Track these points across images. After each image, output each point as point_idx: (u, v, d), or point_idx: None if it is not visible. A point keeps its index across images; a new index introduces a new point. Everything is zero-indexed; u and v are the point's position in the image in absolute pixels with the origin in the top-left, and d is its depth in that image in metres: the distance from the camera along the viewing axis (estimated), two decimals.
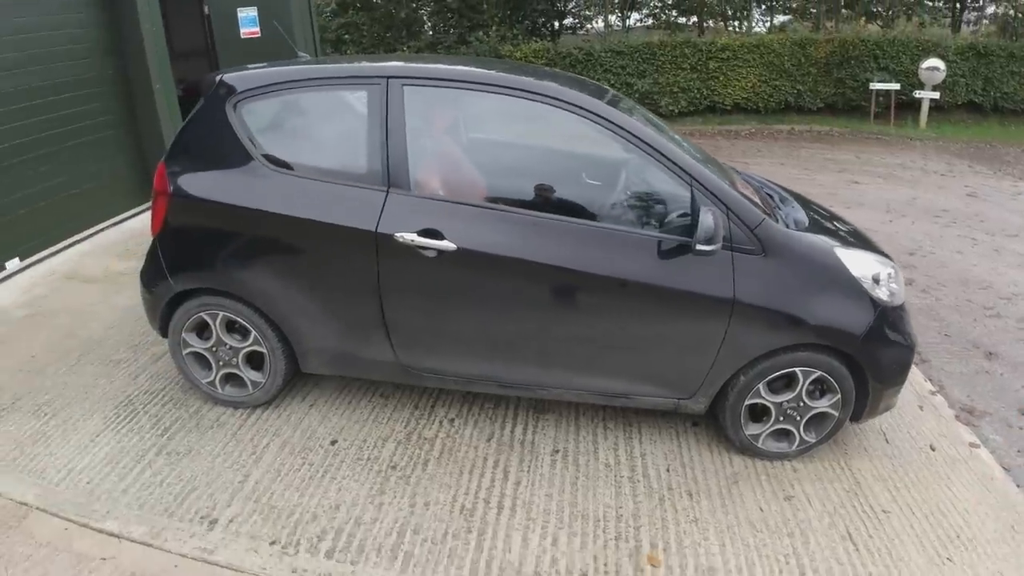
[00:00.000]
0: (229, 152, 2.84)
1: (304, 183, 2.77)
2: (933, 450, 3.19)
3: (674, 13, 15.58)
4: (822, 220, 3.24)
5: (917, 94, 12.44)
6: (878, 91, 12.52)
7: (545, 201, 2.82)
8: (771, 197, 3.26)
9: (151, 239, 3.06)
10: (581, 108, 2.69)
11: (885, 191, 8.33)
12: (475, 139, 3.22)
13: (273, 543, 2.40)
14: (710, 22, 15.56)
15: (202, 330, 3.08)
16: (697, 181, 2.61)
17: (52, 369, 3.50)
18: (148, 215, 5.95)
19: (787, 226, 2.84)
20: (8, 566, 2.31)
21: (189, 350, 3.09)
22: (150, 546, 2.42)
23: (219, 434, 2.99)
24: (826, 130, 12.81)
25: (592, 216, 2.79)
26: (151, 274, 3.05)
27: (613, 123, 2.68)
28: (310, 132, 2.99)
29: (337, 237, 2.72)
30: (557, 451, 2.93)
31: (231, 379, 3.12)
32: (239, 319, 2.96)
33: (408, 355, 2.87)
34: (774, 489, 2.81)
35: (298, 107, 2.95)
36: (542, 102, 2.71)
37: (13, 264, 4.64)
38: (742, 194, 2.74)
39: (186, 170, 2.90)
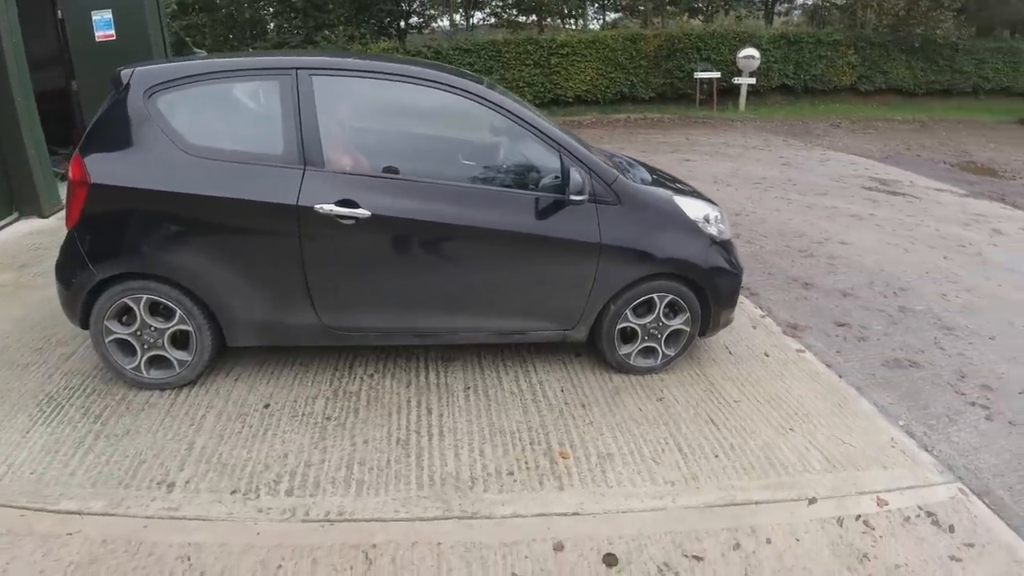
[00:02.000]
0: (147, 141, 3.01)
1: (224, 166, 3.02)
2: (767, 356, 3.99)
3: (514, 11, 16.41)
4: (662, 179, 3.93)
5: (736, 80, 14.08)
6: (702, 79, 14.02)
7: (444, 170, 3.28)
8: (622, 162, 3.90)
9: (63, 234, 3.17)
10: (471, 93, 3.19)
11: (712, 166, 9.48)
12: (379, 121, 3.58)
13: (234, 492, 2.64)
14: (548, 20, 16.53)
15: (124, 316, 3.20)
16: (565, 149, 3.18)
17: None
18: (14, 228, 5.72)
19: (636, 182, 3.49)
20: None
21: (112, 337, 3.19)
22: (113, 515, 2.53)
23: (153, 413, 3.13)
24: (658, 117, 14.12)
25: (484, 181, 3.28)
26: (69, 266, 3.13)
27: (498, 105, 3.20)
28: (226, 120, 3.24)
29: (260, 213, 3.01)
30: (468, 387, 3.40)
31: (156, 361, 3.26)
32: (164, 300, 3.12)
33: (331, 317, 3.20)
34: (648, 394, 3.45)
35: (213, 97, 3.16)
36: (437, 88, 3.17)
37: None
38: (600, 159, 3.35)
39: (104, 160, 3.02)
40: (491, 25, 16.71)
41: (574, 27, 16.76)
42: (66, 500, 2.60)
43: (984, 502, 2.88)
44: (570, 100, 14.13)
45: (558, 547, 2.44)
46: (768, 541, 2.54)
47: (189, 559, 2.31)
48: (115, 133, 3.07)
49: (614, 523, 2.58)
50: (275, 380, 3.42)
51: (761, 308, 4.78)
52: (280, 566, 2.29)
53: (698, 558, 2.44)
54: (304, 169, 3.01)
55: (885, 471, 3.00)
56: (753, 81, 14.11)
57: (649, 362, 3.60)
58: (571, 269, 3.27)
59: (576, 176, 3.04)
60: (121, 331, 3.20)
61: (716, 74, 13.92)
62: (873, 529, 2.65)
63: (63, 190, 6.57)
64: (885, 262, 6.00)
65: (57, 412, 3.16)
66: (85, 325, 3.23)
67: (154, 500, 2.60)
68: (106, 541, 2.40)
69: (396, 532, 2.46)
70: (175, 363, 3.25)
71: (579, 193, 3.06)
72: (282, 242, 3.05)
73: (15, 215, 6.07)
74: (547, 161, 3.22)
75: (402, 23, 15.57)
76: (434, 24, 16.33)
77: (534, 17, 16.50)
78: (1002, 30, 19.44)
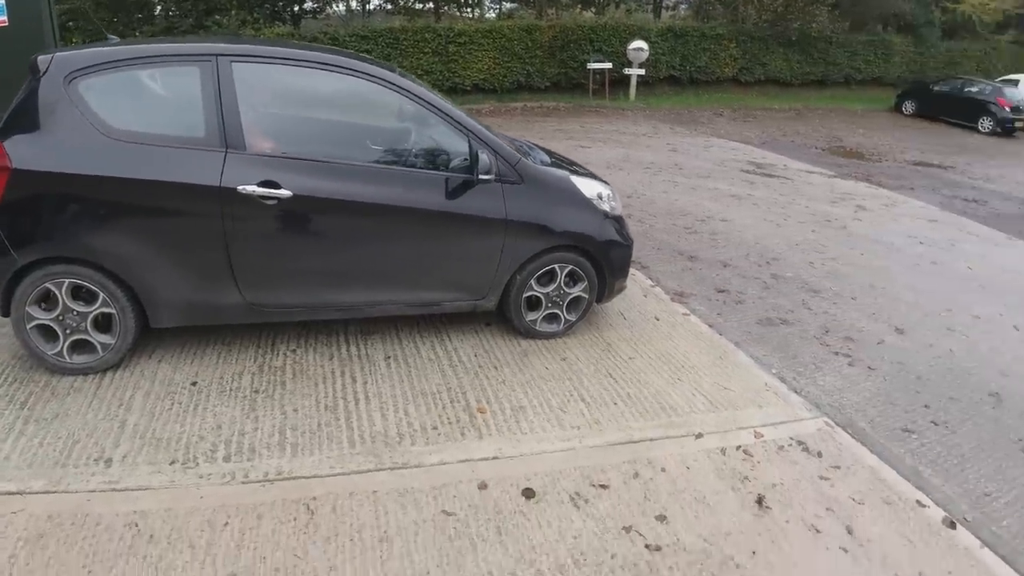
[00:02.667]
0: (68, 125, 3.04)
1: (146, 149, 3.09)
2: (657, 320, 4.45)
3: None
4: (559, 161, 4.29)
5: (627, 71, 14.80)
6: (594, 70, 14.65)
7: (360, 153, 3.49)
8: (523, 146, 4.24)
9: None
10: (385, 80, 3.41)
11: (605, 152, 10.02)
12: (298, 106, 3.71)
13: (173, 463, 2.77)
14: (445, 8, 16.68)
15: (44, 302, 3.20)
16: (472, 133, 3.47)
17: None
18: None
19: (536, 164, 3.82)
20: None
21: (33, 323, 3.18)
22: (55, 492, 2.58)
23: (79, 397, 3.16)
24: (554, 105, 14.63)
25: (398, 162, 3.51)
26: None
27: (410, 92, 3.45)
28: (147, 104, 3.29)
29: (182, 194, 3.11)
30: (389, 356, 3.65)
31: (79, 346, 3.28)
32: (86, 283, 3.16)
33: (255, 295, 3.35)
34: (553, 355, 3.82)
35: (134, 82, 3.21)
36: (353, 76, 3.38)
37: None
38: (503, 142, 3.66)
39: (25, 145, 3.03)
40: (388, 12, 16.68)
41: (471, 16, 17.00)
42: (3, 482, 2.63)
43: (848, 432, 3.44)
44: (468, 88, 14.39)
45: (482, 486, 2.75)
46: (663, 470, 2.96)
47: (137, 525, 2.44)
48: (35, 118, 3.06)
49: (529, 463, 2.92)
50: (199, 359, 3.52)
51: (651, 279, 5.26)
52: (227, 523, 2.47)
53: (604, 486, 2.82)
54: (226, 152, 3.14)
55: (760, 410, 3.51)
56: (642, 72, 14.88)
57: (553, 327, 3.97)
58: (481, 243, 3.57)
59: (484, 157, 3.34)
60: (43, 316, 3.20)
61: (608, 65, 14.58)
62: (752, 456, 3.12)
63: None
64: (760, 236, 6.68)
65: None
66: (6, 313, 3.21)
67: (94, 476, 2.68)
68: (51, 516, 2.47)
69: (334, 485, 2.69)
70: (98, 347, 3.29)
71: (487, 173, 3.36)
72: (205, 223, 3.16)
73: None
74: (456, 144, 3.50)
75: (296, 8, 15.29)
76: (329, 9, 16.13)
77: (431, 5, 16.62)
78: (875, 24, 21.35)
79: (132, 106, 3.26)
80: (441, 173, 3.48)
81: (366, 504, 2.60)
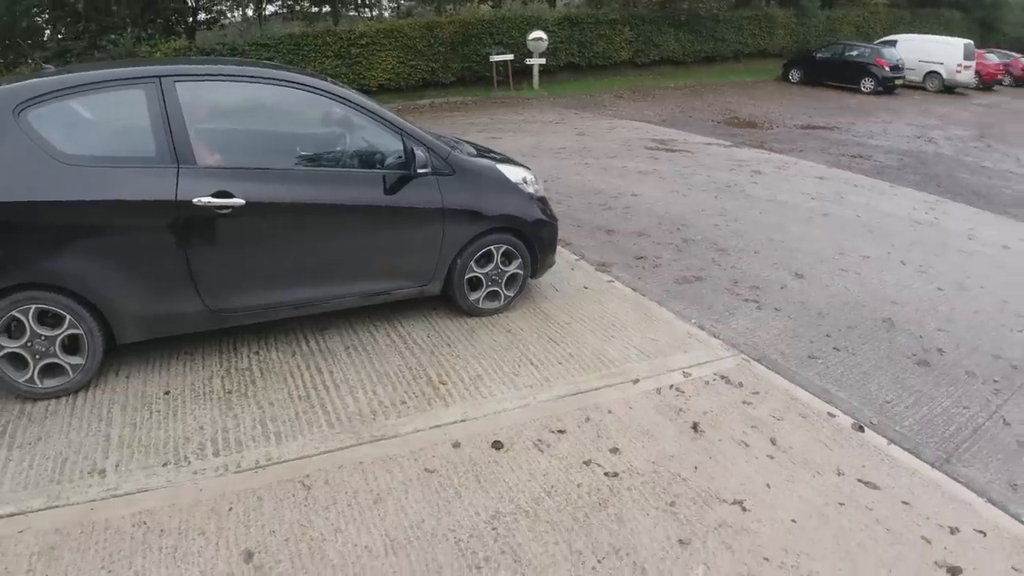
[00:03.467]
0: (20, 154, 3.11)
1: (100, 171, 3.22)
2: (586, 288, 4.89)
3: (307, 3, 16.35)
4: (483, 151, 4.64)
5: (528, 61, 15.25)
6: (497, 62, 15.02)
7: (303, 159, 3.73)
8: (450, 141, 4.56)
9: None
10: (320, 89, 3.66)
11: (517, 141, 10.43)
12: (241, 118, 3.91)
13: (165, 464, 2.94)
14: (343, 10, 16.64)
15: (11, 330, 3.25)
16: (405, 132, 3.78)
17: None
18: None
19: (465, 155, 4.16)
20: None
21: (2, 352, 3.23)
22: (56, 507, 2.68)
23: (57, 420, 3.25)
24: (460, 100, 14.92)
25: (341, 164, 3.78)
26: None
27: (345, 98, 3.72)
28: (97, 128, 3.42)
29: (140, 211, 3.27)
30: (348, 347, 3.92)
31: (49, 370, 3.35)
32: (53, 307, 3.24)
33: (215, 301, 3.53)
34: (498, 329, 4.19)
35: (82, 108, 3.33)
36: (290, 87, 3.63)
37: None
38: (434, 138, 3.98)
39: None
40: (285, 18, 16.50)
41: (370, 17, 17.03)
42: (3, 506, 2.71)
43: (763, 364, 3.98)
44: (374, 89, 14.49)
45: (456, 444, 3.10)
46: (609, 411, 3.40)
47: (145, 523, 2.62)
48: None
49: (493, 421, 3.29)
50: (166, 370, 3.68)
51: (576, 253, 5.71)
52: (231, 509, 2.70)
53: (562, 431, 3.23)
54: (178, 167, 3.31)
55: (686, 354, 4.01)
56: (543, 61, 15.38)
57: (495, 304, 4.34)
58: (422, 232, 3.88)
59: (420, 153, 3.66)
60: (11, 345, 3.25)
61: (509, 56, 14.99)
62: (683, 392, 3.60)
63: None
64: (669, 206, 7.25)
65: None
66: None
67: (91, 487, 2.81)
68: (59, 529, 2.58)
69: (322, 463, 2.96)
70: (69, 368, 3.37)
71: (424, 167, 3.68)
72: (164, 236, 3.33)
73: None
74: (391, 143, 3.79)
75: (190, 20, 14.93)
76: (224, 20, 15.80)
77: (327, 8, 16.55)
78: (759, 0, 22.62)
79: (82, 131, 3.38)
80: (381, 171, 3.77)
81: (355, 474, 2.90)
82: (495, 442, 3.13)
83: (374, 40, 14.10)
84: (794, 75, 20.09)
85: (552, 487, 2.87)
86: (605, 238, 6.18)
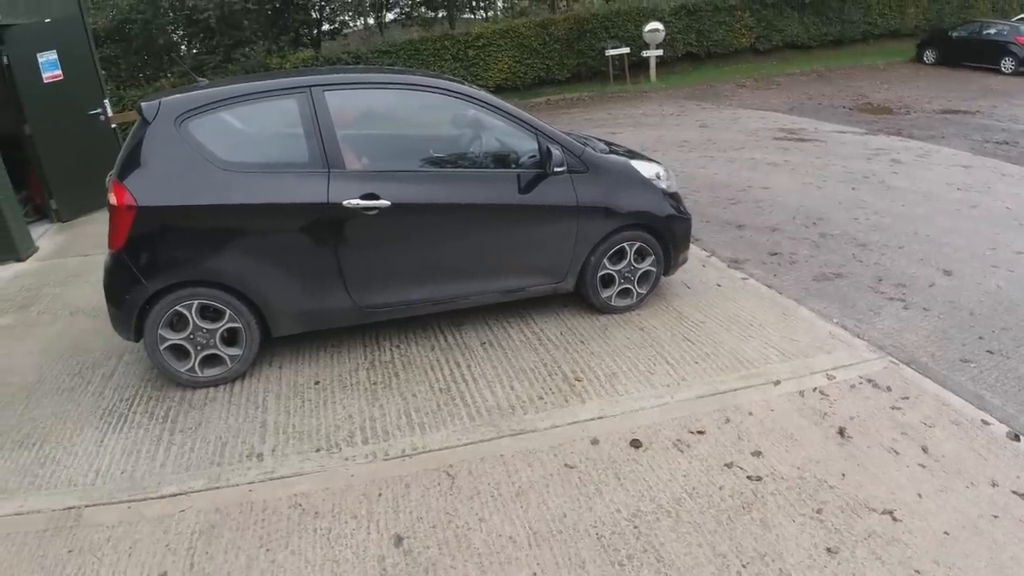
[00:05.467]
0: (184, 162, 3.37)
1: (257, 176, 3.45)
2: (719, 286, 4.72)
3: (423, 8, 16.81)
4: (614, 147, 4.58)
5: (644, 54, 14.96)
6: (613, 56, 14.83)
7: (442, 161, 3.83)
8: (580, 138, 4.54)
9: (107, 255, 3.50)
10: (458, 92, 3.75)
11: (638, 135, 10.24)
12: (386, 123, 4.07)
13: (318, 450, 3.11)
14: (457, 13, 16.99)
15: (175, 324, 3.55)
16: (540, 131, 3.80)
17: (7, 413, 3.62)
18: None
19: (597, 152, 4.12)
20: (94, 550, 2.59)
21: (167, 344, 3.54)
22: (217, 488, 2.88)
23: (216, 407, 3.52)
24: (577, 96, 14.85)
25: (480, 165, 3.85)
26: (120, 285, 3.45)
27: (482, 101, 3.80)
28: (253, 136, 3.66)
29: (295, 213, 3.47)
30: (484, 342, 3.98)
31: (208, 361, 3.63)
32: (214, 303, 3.51)
33: (362, 297, 3.70)
34: (631, 327, 4.12)
35: (239, 117, 3.57)
36: (430, 91, 3.74)
37: None
38: (566, 136, 3.97)
39: (146, 184, 3.34)
40: (403, 24, 17.05)
41: (485, 18, 17.30)
42: (166, 486, 2.93)
43: (911, 368, 3.69)
44: (491, 89, 14.69)
45: (594, 441, 3.07)
46: (750, 413, 3.26)
47: (301, 505, 2.78)
48: (152, 159, 3.38)
49: (631, 419, 3.23)
50: (315, 362, 3.89)
51: (705, 249, 5.52)
52: (380, 494, 2.82)
53: (701, 432, 3.13)
54: (328, 171, 3.49)
55: (829, 356, 3.77)
56: (660, 53, 15.03)
57: (627, 301, 4.27)
58: (557, 230, 3.88)
59: (556, 152, 3.67)
60: (174, 337, 3.55)
61: (625, 50, 14.75)
62: (827, 396, 3.40)
63: (35, 232, 6.71)
64: (803, 199, 6.87)
65: (123, 421, 3.45)
66: (138, 338, 3.58)
67: (249, 469, 3.01)
68: (219, 509, 2.77)
69: (465, 454, 3.03)
70: (227, 359, 3.65)
71: (560, 166, 3.68)
72: (317, 236, 3.52)
73: None
74: (526, 143, 3.83)
75: (316, 31, 15.74)
76: (347, 29, 16.55)
77: (443, 12, 16.95)
78: None
79: (239, 139, 3.62)
80: (516, 170, 3.82)
81: (497, 466, 2.94)
82: (633, 440, 3.08)
83: (490, 41, 14.31)
84: (928, 56, 18.56)
85: (694, 488, 2.79)
86: (736, 233, 5.95)
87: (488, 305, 4.13)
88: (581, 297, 4.27)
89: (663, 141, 9.78)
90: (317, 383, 3.68)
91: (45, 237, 6.95)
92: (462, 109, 3.85)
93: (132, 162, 3.41)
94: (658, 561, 2.44)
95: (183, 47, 14.59)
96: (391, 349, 3.97)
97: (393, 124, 4.08)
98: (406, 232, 3.65)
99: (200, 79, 4.13)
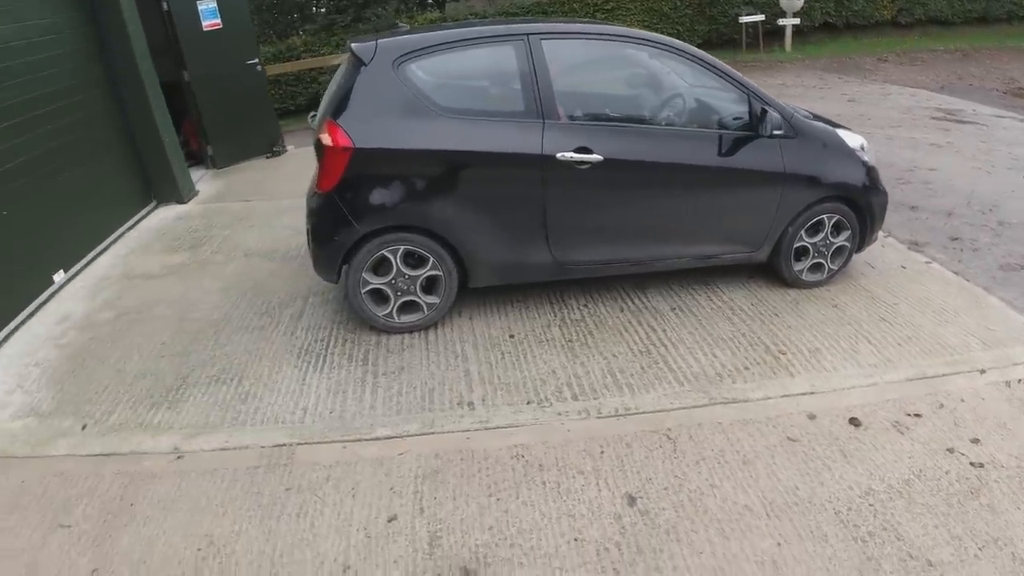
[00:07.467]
0: (401, 105, 3.38)
1: (472, 122, 3.44)
2: (904, 268, 4.48)
3: None
4: (816, 116, 4.36)
5: (780, 22, 14.19)
6: (746, 23, 14.14)
7: (653, 117, 3.77)
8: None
9: (314, 196, 3.57)
10: (674, 48, 3.65)
11: None
12: (599, 75, 4.00)
13: (528, 403, 3.13)
14: None
15: (377, 268, 3.61)
16: (753, 92, 3.66)
17: (197, 348, 3.74)
18: (159, 215, 6.08)
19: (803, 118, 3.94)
20: (313, 489, 2.65)
21: (368, 288, 3.61)
22: (432, 433, 2.93)
23: (415, 353, 3.58)
24: None
25: (690, 124, 3.73)
26: (328, 226, 3.50)
27: (698, 58, 3.67)
28: (470, 82, 3.65)
29: (508, 163, 3.46)
30: (674, 308, 3.93)
31: (406, 307, 3.70)
32: (420, 249, 3.55)
33: (562, 253, 3.68)
34: (823, 303, 3.98)
35: (455, 63, 3.55)
36: (644, 45, 3.65)
37: (59, 277, 4.70)
38: (776, 100, 3.81)
39: (362, 125, 3.34)
40: None
41: None
42: (380, 428, 2.99)
43: None
44: None
45: (811, 416, 2.99)
46: (962, 400, 3.11)
47: (522, 456, 2.81)
48: (367, 100, 3.37)
49: (843, 397, 3.13)
50: (504, 316, 3.92)
51: (883, 230, 5.24)
52: (602, 452, 2.81)
53: (917, 415, 3.01)
54: (543, 122, 3.46)
55: None
56: (797, 21, 14.22)
57: (817, 276, 4.11)
58: (760, 196, 3.76)
59: (775, 115, 3.53)
60: (376, 281, 3.62)
61: (760, 17, 14.03)
62: None
63: (193, 176, 7.02)
64: (974, 184, 6.43)
65: (320, 362, 3.53)
66: (337, 280, 3.66)
67: (462, 417, 3.05)
68: (438, 455, 2.81)
69: (679, 418, 3.00)
70: (424, 306, 3.71)
71: (778, 129, 3.55)
72: (527, 188, 3.49)
73: (153, 203, 6.43)
74: (737, 104, 3.70)
75: None
76: None
77: None
78: None
79: (455, 85, 3.60)
80: (727, 131, 3.69)
81: (716, 433, 2.90)
82: (852, 419, 2.98)
83: (620, 4, 13.86)
84: None
85: (920, 471, 2.69)
86: (910, 215, 5.63)
87: (671, 271, 4.05)
88: (771, 268, 4.13)
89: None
90: (512, 336, 3.71)
91: (203, 182, 7.26)
92: (675, 65, 3.74)
93: (346, 103, 3.39)
94: (898, 539, 2.37)
95: (314, 7, 14.85)
96: (579, 308, 3.96)
97: (605, 76, 3.98)
98: (613, 189, 3.60)
99: (400, 24, 4.16)
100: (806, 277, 4.08)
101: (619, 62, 3.90)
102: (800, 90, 11.26)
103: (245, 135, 7.89)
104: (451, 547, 2.39)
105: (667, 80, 3.91)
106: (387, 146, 3.40)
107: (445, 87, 3.54)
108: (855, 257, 4.51)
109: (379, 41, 3.46)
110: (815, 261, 4.05)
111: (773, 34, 14.51)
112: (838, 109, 9.55)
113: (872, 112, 9.24)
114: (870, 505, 2.52)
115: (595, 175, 3.50)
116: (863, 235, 4.07)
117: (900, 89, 10.81)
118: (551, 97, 3.46)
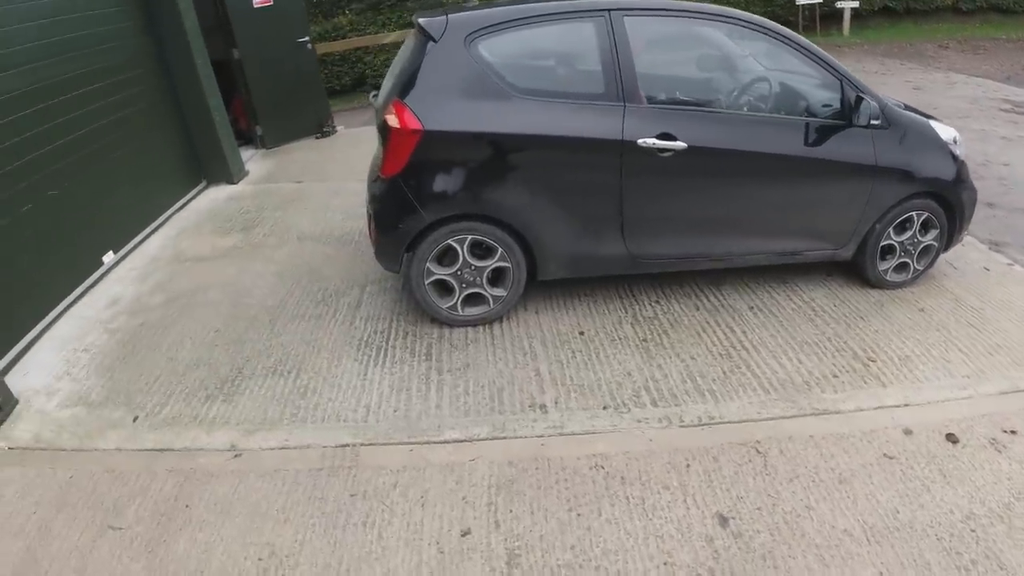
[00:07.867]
0: (473, 85, 3.15)
1: (550, 105, 3.21)
2: (987, 270, 4.24)
3: None
4: (908, 106, 4.09)
5: (839, 4, 13.68)
6: (804, 5, 13.63)
7: (740, 102, 3.54)
8: None
9: (378, 181, 3.37)
10: (766, 28, 3.39)
11: None
12: (684, 56, 3.76)
13: (605, 408, 2.97)
14: None
15: (442, 258, 3.44)
16: (847, 79, 3.43)
17: (252, 336, 3.62)
18: (209, 195, 5.99)
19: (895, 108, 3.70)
20: (380, 496, 2.52)
21: (432, 278, 3.44)
22: (503, 438, 2.76)
23: (480, 348, 3.42)
24: None
25: (780, 111, 3.51)
26: (393, 213, 3.30)
27: (788, 39, 3.41)
28: (546, 61, 3.43)
29: (586, 149, 3.23)
30: (752, 307, 3.74)
31: (470, 299, 3.53)
32: (488, 239, 3.36)
33: (638, 245, 3.49)
34: (908, 305, 3.76)
35: (531, 40, 3.32)
36: (734, 24, 3.42)
37: (108, 258, 4.60)
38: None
39: (431, 106, 3.13)
40: None
41: None
42: (449, 431, 2.83)
43: None
44: None
45: (907, 431, 2.82)
46: None
47: (602, 467, 2.64)
48: (438, 80, 3.16)
49: (939, 410, 2.95)
50: (572, 311, 3.75)
51: None
52: (688, 465, 2.66)
53: (1013, 432, 2.81)
54: (624, 105, 3.24)
55: None
56: (856, 4, 13.70)
57: (901, 276, 3.90)
58: (849, 190, 3.53)
59: (872, 104, 3.31)
60: (441, 272, 3.44)
61: None
62: None
63: (243, 156, 6.93)
64: None
65: (381, 355, 3.39)
66: (398, 269, 3.48)
67: (535, 422, 2.89)
68: (512, 462, 2.65)
69: (768, 429, 2.84)
70: (490, 299, 3.54)
71: (876, 119, 3.33)
72: (604, 176, 3.28)
73: (203, 183, 6.33)
74: (829, 91, 3.47)
75: None
76: None
77: None
78: None
79: (531, 63, 3.39)
80: (816, 120, 3.46)
81: (809, 447, 2.74)
82: (949, 434, 2.79)
83: None
84: None
85: (1020, 493, 2.50)
86: (988, 212, 5.34)
87: (748, 267, 3.85)
88: (853, 267, 3.92)
89: None
90: (581, 333, 3.56)
91: (252, 162, 7.14)
92: (765, 47, 3.49)
93: (413, 82, 3.17)
94: (1000, 569, 2.21)
95: None
96: (651, 304, 3.79)
97: (690, 57, 3.74)
98: (696, 179, 3.38)
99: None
100: (890, 277, 3.86)
101: (703, 42, 3.66)
102: (861, 76, 10.65)
103: (295, 115, 7.78)
104: (531, 567, 2.26)
105: (753, 63, 3.66)
106: (459, 129, 3.19)
107: (520, 66, 3.32)
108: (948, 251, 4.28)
109: (449, 16, 3.24)
110: (901, 260, 3.83)
111: (831, 17, 13.98)
112: (903, 97, 9.12)
113: (938, 102, 8.83)
114: (972, 531, 2.35)
115: (677, 163, 3.28)
116: (951, 234, 3.84)
117: (966, 79, 10.34)
118: (633, 79, 3.24)
